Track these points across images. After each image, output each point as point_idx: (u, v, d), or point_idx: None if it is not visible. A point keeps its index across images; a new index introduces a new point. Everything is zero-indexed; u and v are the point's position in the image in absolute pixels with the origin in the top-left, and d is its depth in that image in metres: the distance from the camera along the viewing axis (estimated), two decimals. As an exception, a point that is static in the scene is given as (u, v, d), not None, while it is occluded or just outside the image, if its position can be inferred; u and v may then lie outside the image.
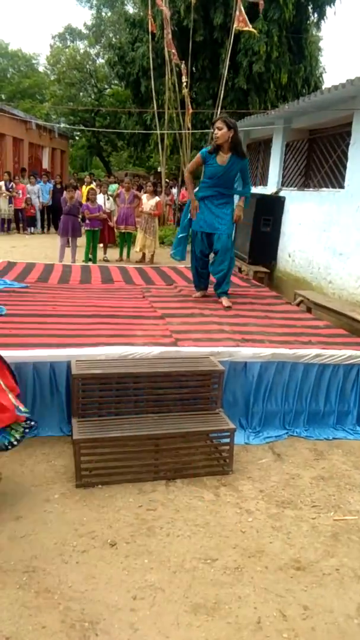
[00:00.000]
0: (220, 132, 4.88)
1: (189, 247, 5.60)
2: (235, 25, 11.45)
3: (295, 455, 3.48)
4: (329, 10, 16.82)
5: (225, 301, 5.20)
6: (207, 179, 5.18)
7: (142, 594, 2.20)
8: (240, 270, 8.50)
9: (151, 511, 2.76)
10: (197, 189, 5.40)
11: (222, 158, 5.00)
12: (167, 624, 2.06)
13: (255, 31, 11.86)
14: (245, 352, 3.74)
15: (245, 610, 2.15)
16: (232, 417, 3.58)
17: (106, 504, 2.80)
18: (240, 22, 11.14)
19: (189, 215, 5.35)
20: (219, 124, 4.92)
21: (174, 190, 16.45)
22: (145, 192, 10.86)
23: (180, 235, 5.54)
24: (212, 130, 5.03)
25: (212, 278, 5.54)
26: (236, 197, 5.40)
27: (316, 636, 2.04)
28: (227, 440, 3.21)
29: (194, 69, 16.80)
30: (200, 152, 5.18)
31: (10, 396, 2.65)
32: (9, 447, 2.69)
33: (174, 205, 15.85)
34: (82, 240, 10.06)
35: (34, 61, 36.23)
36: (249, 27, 11.24)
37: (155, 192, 10.85)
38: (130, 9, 26.43)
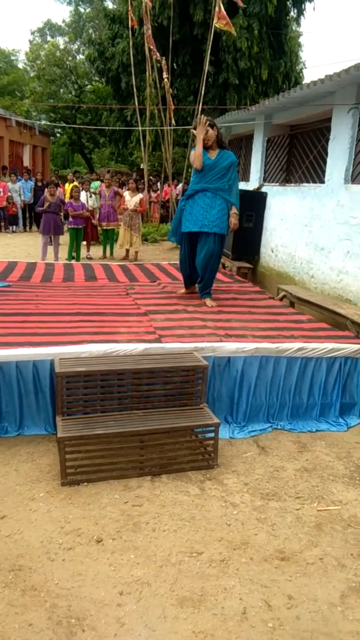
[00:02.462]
0: (208, 133, 4.91)
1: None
2: (215, 22, 11.42)
3: (280, 448, 3.52)
4: (308, 5, 16.95)
5: (209, 302, 5.18)
6: (197, 173, 5.10)
7: (128, 589, 2.21)
8: (223, 266, 8.53)
9: (137, 507, 2.77)
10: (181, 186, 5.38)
11: (212, 154, 5.03)
12: (153, 617, 2.07)
13: (233, 32, 11.84)
14: (229, 347, 3.76)
15: (231, 601, 2.17)
16: (217, 411, 3.62)
17: (92, 501, 2.80)
18: (220, 19, 11.11)
19: (178, 219, 5.25)
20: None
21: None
22: (127, 189, 10.82)
23: (172, 238, 5.45)
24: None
25: None
26: None
27: (301, 624, 2.08)
28: (212, 434, 3.23)
29: (174, 65, 16.78)
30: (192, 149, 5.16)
31: None
32: None
33: (160, 202, 15.83)
34: (64, 238, 10.00)
35: (12, 57, 35.80)
36: (230, 27, 11.22)
37: (137, 189, 10.82)
38: (109, 4, 26.26)
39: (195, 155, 5.00)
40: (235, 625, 2.05)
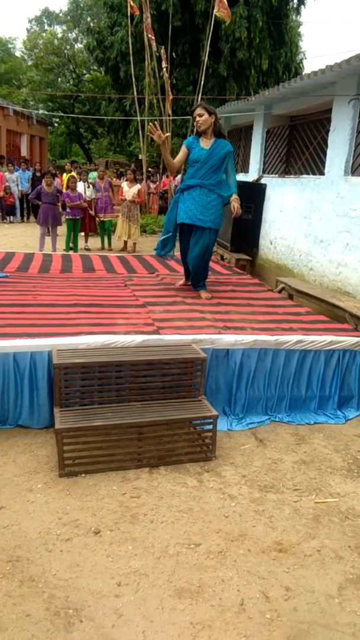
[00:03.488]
0: (201, 118, 4.85)
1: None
2: (215, 11, 11.30)
3: (278, 440, 3.52)
4: (309, -5, 16.78)
5: (204, 294, 5.15)
6: (191, 166, 5.03)
7: (126, 580, 2.21)
8: (222, 258, 8.50)
9: (135, 498, 2.77)
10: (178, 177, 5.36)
11: (206, 143, 4.95)
12: (151, 608, 2.08)
13: (228, 19, 11.65)
14: (228, 339, 3.75)
15: (228, 592, 2.18)
16: (215, 404, 3.61)
17: (90, 493, 2.80)
18: (221, 8, 10.99)
19: (173, 213, 5.18)
20: (199, 110, 4.88)
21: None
22: (125, 180, 10.75)
23: (164, 237, 5.33)
24: (192, 119, 4.98)
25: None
26: None
27: (298, 616, 2.08)
28: (210, 426, 3.23)
29: (174, 54, 16.62)
30: (184, 142, 5.10)
31: None
32: None
33: (159, 193, 15.74)
34: (62, 229, 9.95)
35: (10, 45, 35.45)
36: (228, 15, 11.09)
37: (135, 180, 10.75)
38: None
39: (165, 161, 5.10)
40: (233, 617, 2.06)
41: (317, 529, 2.62)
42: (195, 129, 5.01)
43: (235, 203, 5.03)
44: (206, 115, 4.85)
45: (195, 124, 4.93)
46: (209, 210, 4.98)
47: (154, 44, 13.06)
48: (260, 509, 2.75)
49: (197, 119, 4.87)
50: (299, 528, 2.62)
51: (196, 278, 5.27)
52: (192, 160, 5.01)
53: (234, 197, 5.07)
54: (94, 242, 10.91)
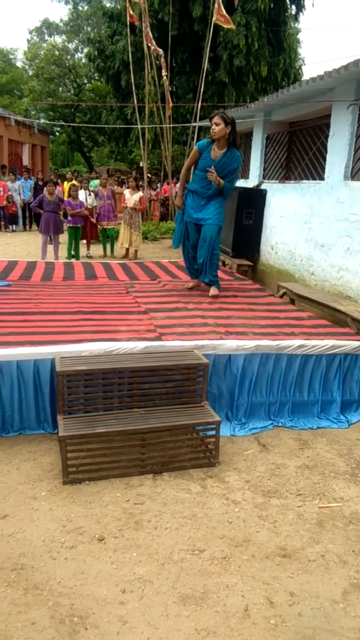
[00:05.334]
0: (217, 127, 4.97)
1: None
2: (214, 19, 11.40)
3: (281, 445, 3.52)
4: (307, 2, 16.96)
5: (212, 290, 5.29)
6: (198, 172, 5.25)
7: (131, 587, 2.21)
8: (224, 264, 8.52)
9: (139, 505, 2.78)
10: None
11: (216, 153, 5.10)
12: (156, 615, 2.08)
13: (232, 27, 11.79)
14: (229, 345, 3.76)
15: (233, 598, 2.18)
16: (218, 409, 3.62)
17: (94, 500, 2.80)
18: (220, 16, 11.09)
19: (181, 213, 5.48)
20: (216, 119, 4.99)
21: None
22: (127, 187, 10.81)
23: (178, 228, 5.67)
24: (210, 125, 5.12)
25: None
26: None
27: (303, 621, 2.08)
28: (213, 432, 3.23)
29: (174, 62, 16.75)
30: (197, 144, 5.29)
31: None
32: None
33: (160, 200, 15.80)
34: (64, 237, 10.00)
35: (11, 56, 35.78)
36: (230, 24, 11.20)
37: (137, 187, 10.81)
38: (107, 2, 26.21)
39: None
40: (238, 623, 2.06)
41: (321, 534, 2.61)
42: (209, 136, 5.17)
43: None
44: (222, 125, 4.97)
45: (211, 131, 5.04)
46: (210, 210, 5.24)
47: (154, 49, 13.17)
48: (264, 514, 2.75)
49: (213, 127, 5.00)
50: (303, 533, 2.62)
51: (202, 270, 5.41)
52: (199, 168, 5.21)
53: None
54: (96, 249, 10.95)
